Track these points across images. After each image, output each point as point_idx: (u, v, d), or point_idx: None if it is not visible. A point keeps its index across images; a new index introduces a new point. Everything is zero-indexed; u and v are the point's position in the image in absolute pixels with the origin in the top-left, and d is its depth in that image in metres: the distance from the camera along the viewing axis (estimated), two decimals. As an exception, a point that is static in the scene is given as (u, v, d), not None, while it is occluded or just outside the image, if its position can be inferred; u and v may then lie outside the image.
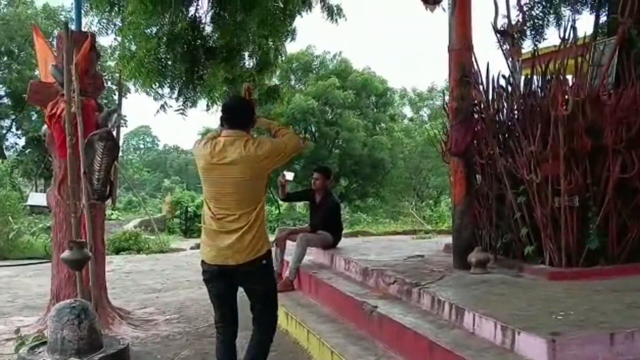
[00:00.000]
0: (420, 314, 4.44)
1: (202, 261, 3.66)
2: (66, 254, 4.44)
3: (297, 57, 29.68)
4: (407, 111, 40.23)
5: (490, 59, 5.55)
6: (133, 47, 6.87)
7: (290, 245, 7.15)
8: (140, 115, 48.62)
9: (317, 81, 29.78)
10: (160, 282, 8.87)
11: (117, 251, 12.04)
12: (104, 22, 6.77)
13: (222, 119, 3.68)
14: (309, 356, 5.04)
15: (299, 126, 29.48)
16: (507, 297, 4.23)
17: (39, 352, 4.40)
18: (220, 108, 3.88)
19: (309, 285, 6.59)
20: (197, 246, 13.39)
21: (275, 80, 7.77)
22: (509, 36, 5.77)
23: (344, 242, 7.51)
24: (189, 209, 23.29)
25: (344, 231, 8.46)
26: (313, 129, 29.88)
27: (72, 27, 5.82)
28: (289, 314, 5.88)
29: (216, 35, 6.70)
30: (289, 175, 7.30)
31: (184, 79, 6.96)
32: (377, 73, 32.10)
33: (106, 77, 16.90)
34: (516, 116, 5.48)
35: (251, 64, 7.03)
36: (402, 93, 39.23)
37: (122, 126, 5.76)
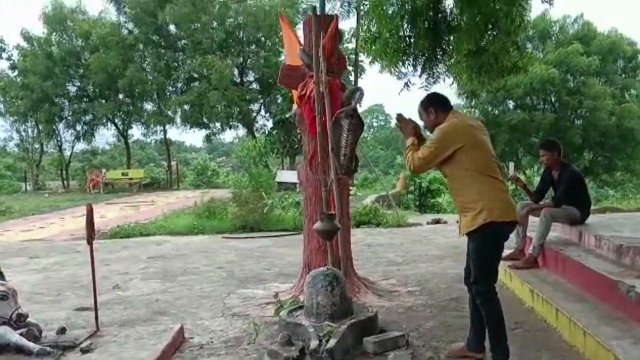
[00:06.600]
0: (688, 298, 4.05)
1: (501, 221, 3.93)
2: (318, 224, 4.73)
3: (534, 24, 28.12)
4: (662, 75, 35.98)
5: None
6: (373, 29, 7.02)
7: (533, 220, 6.86)
8: (373, 93, 49.98)
9: (557, 48, 27.96)
10: (399, 255, 9.06)
11: (358, 225, 12.54)
12: (345, 7, 7.03)
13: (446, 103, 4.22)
14: (559, 335, 4.82)
15: (537, 97, 28.13)
16: None
17: (297, 315, 4.78)
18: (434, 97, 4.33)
19: (555, 263, 6.28)
20: (434, 221, 13.55)
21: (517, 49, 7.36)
22: None
23: (591, 219, 6.98)
24: (423, 185, 23.47)
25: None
26: (553, 99, 28.23)
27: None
28: (534, 291, 5.68)
29: (459, 8, 6.58)
30: (511, 168, 7.03)
31: (426, 55, 6.97)
32: (624, 34, 29.19)
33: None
34: None
35: (495, 33, 6.76)
36: (656, 55, 35.17)
37: (359, 105, 5.95)
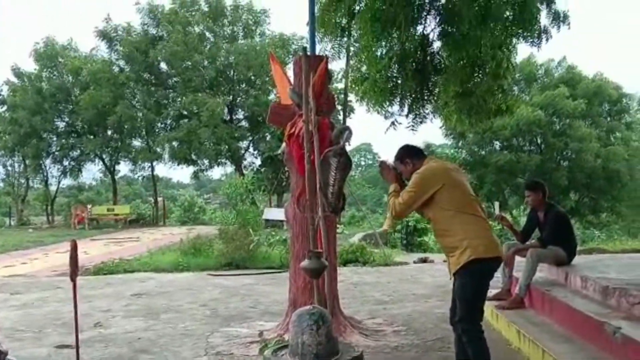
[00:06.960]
0: (672, 338, 4.06)
1: (486, 258, 3.95)
2: (305, 263, 4.69)
3: (521, 68, 28.65)
4: (647, 118, 36.60)
5: None
6: (363, 69, 7.12)
7: (519, 261, 6.86)
8: (361, 133, 50.48)
9: (543, 91, 28.46)
10: (386, 294, 9.02)
11: (345, 263, 12.48)
12: (336, 47, 7.13)
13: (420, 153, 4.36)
14: (546, 377, 4.79)
15: (523, 138, 28.45)
16: None
17: (281, 355, 4.70)
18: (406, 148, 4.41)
19: (542, 303, 6.29)
20: (421, 260, 13.52)
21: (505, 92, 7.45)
22: None
23: (577, 259, 7.01)
24: (410, 224, 23.46)
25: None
26: (539, 141, 28.58)
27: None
28: (520, 332, 5.66)
29: (446, 51, 6.70)
30: (497, 208, 7.08)
31: (413, 96, 7.07)
32: (609, 78, 29.77)
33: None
34: None
35: (481, 76, 6.87)
36: (641, 98, 35.86)
37: (347, 144, 5.99)
